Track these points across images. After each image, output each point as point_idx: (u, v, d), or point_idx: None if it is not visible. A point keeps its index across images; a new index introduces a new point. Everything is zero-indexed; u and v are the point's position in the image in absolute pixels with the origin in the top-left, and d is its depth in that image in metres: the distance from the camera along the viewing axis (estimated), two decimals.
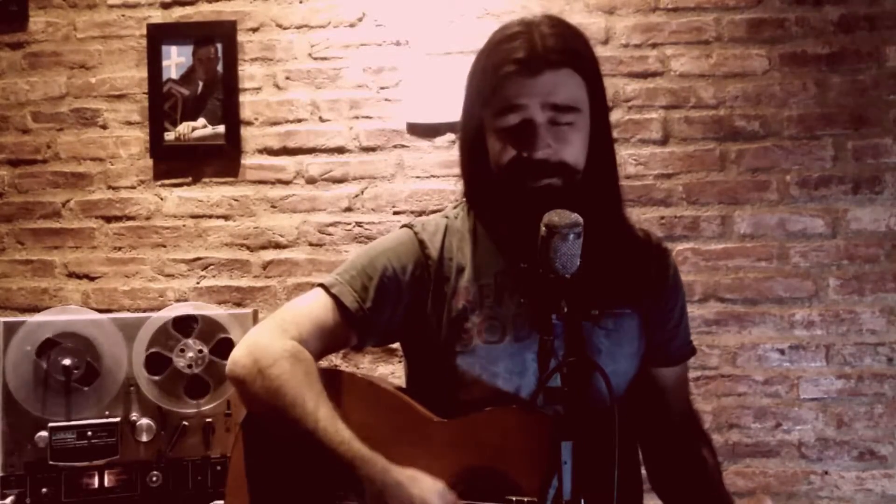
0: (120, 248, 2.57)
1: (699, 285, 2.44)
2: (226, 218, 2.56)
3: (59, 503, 1.71)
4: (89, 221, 2.58)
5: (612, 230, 1.30)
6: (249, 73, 2.55)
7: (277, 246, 2.54)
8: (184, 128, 2.54)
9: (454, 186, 2.37)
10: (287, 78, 2.55)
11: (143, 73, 2.55)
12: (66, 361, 1.74)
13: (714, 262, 2.46)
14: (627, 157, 2.48)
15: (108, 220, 2.57)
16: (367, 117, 2.53)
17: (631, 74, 2.49)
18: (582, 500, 1.00)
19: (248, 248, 2.55)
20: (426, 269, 1.30)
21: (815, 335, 2.42)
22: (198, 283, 2.55)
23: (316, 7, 2.55)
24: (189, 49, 2.54)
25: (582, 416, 1.00)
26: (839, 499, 2.40)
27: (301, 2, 2.55)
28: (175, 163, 2.56)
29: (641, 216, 2.45)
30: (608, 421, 1.02)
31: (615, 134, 2.41)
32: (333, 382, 1.25)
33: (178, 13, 2.57)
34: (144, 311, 2.46)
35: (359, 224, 2.53)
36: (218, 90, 2.54)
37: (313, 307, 1.28)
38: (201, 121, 2.54)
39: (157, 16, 2.57)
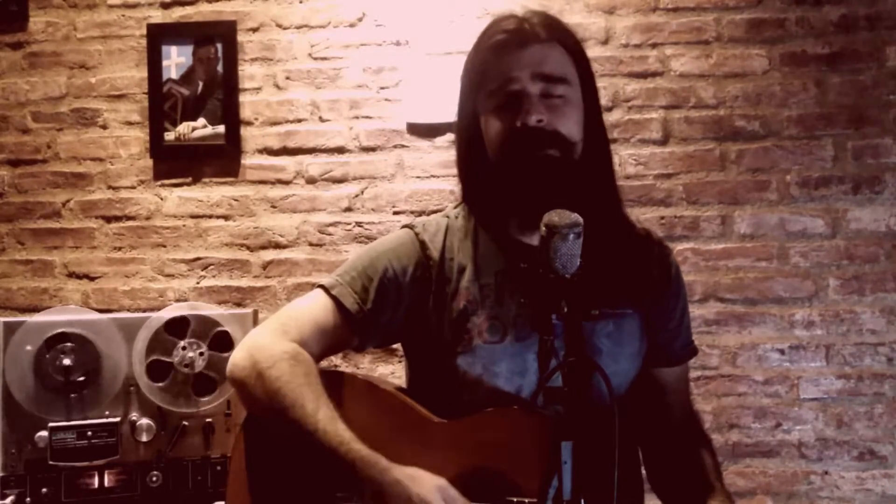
0: (120, 248, 2.57)
1: (699, 285, 2.44)
2: (226, 218, 2.56)
3: (59, 503, 1.71)
4: (89, 221, 2.58)
5: (612, 230, 1.30)
6: (249, 73, 2.55)
7: (277, 246, 2.54)
8: (184, 128, 2.54)
9: (454, 186, 2.37)
10: (287, 78, 2.55)
11: (143, 73, 2.55)
12: (66, 361, 1.74)
13: (714, 262, 2.46)
14: (627, 157, 2.48)
15: (108, 220, 2.57)
16: (367, 117, 2.53)
17: (631, 74, 2.49)
18: (582, 500, 1.00)
19: (248, 248, 2.55)
20: (427, 270, 1.29)
21: (815, 335, 2.42)
22: (198, 283, 2.54)
23: (316, 7, 2.55)
24: (189, 49, 2.54)
25: (582, 417, 1.00)
26: (839, 499, 2.40)
27: (301, 2, 2.55)
28: (175, 163, 2.56)
29: (641, 216, 2.45)
30: (608, 421, 1.02)
31: (615, 134, 2.45)
32: (333, 383, 1.25)
33: (178, 13, 2.57)
34: (144, 311, 2.45)
35: (359, 224, 2.53)
36: (218, 90, 2.54)
37: (314, 308, 1.28)
38: (201, 121, 2.54)
39: (157, 16, 2.57)
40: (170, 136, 2.54)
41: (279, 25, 2.56)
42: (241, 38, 2.55)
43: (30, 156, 2.59)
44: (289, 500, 1.24)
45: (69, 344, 1.76)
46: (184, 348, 1.79)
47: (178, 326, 1.81)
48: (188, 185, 2.56)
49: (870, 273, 2.42)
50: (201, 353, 1.80)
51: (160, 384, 1.77)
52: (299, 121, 2.55)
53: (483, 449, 1.17)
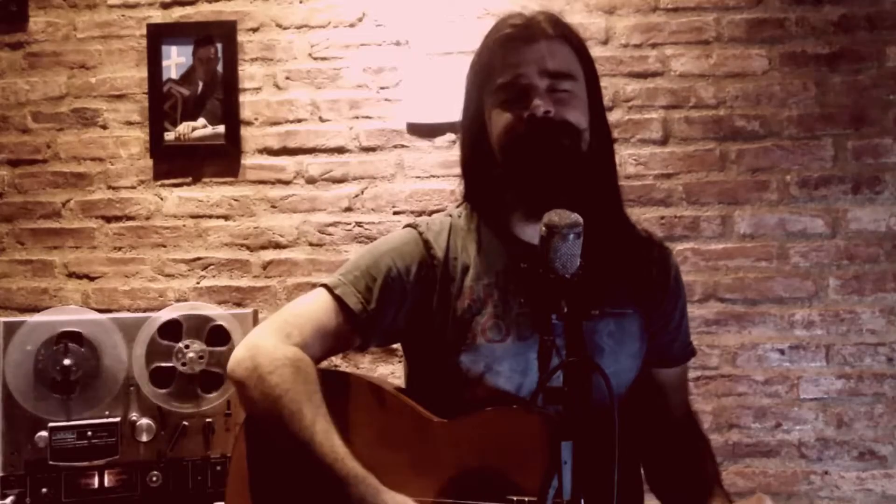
0: (120, 248, 2.57)
1: (699, 285, 2.44)
2: (226, 218, 2.56)
3: (59, 503, 1.71)
4: (89, 221, 2.58)
5: (613, 230, 1.30)
6: (249, 73, 2.55)
7: (277, 246, 2.54)
8: (184, 128, 2.54)
9: (454, 186, 2.37)
10: (287, 78, 2.55)
11: (143, 73, 2.55)
12: (66, 361, 1.74)
13: (714, 262, 2.46)
14: (627, 157, 2.48)
15: (108, 220, 2.57)
16: (367, 117, 2.53)
17: (631, 74, 2.49)
18: (582, 500, 1.00)
19: (248, 248, 2.55)
20: (431, 270, 1.29)
21: (815, 335, 2.42)
22: (198, 283, 2.54)
23: (316, 7, 2.55)
24: (189, 49, 2.54)
25: (582, 416, 1.00)
26: (839, 499, 2.40)
27: (301, 2, 2.55)
28: (175, 163, 2.56)
29: (641, 216, 2.45)
30: (608, 421, 1.02)
31: (615, 134, 2.44)
32: (333, 383, 1.25)
33: (178, 13, 2.57)
34: (144, 311, 2.46)
35: (359, 224, 2.53)
36: (218, 90, 2.54)
37: (316, 308, 1.27)
38: (201, 121, 2.54)
39: (157, 16, 2.57)
40: (170, 136, 2.54)
41: (279, 25, 2.56)
42: (241, 38, 2.55)
43: (30, 156, 2.59)
44: (289, 499, 1.24)
45: (69, 344, 1.76)
46: (184, 348, 1.79)
47: (177, 327, 1.80)
48: (188, 185, 2.56)
49: (870, 273, 2.42)
50: (201, 354, 1.79)
51: (160, 384, 1.77)
52: (299, 121, 2.55)
53: (483, 448, 1.17)
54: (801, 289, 2.43)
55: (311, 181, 2.54)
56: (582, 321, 1.02)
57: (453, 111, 1.35)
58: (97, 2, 2.59)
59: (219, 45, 2.54)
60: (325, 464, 1.13)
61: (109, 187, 2.58)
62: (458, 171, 1.38)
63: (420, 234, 1.32)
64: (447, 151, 2.49)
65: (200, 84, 2.54)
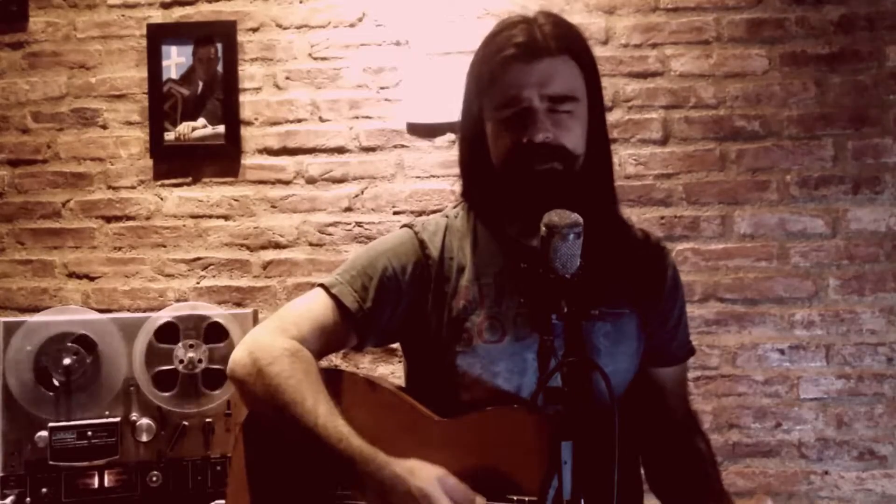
0: (120, 248, 2.57)
1: (699, 285, 2.45)
2: (226, 218, 2.56)
3: (59, 503, 1.71)
4: (89, 221, 2.58)
5: (611, 230, 1.30)
6: (249, 73, 2.55)
7: (277, 246, 2.54)
8: (184, 128, 2.54)
9: (454, 186, 2.37)
10: (287, 78, 2.55)
11: (143, 73, 2.55)
12: (66, 361, 1.74)
13: (714, 262, 2.46)
14: (627, 157, 2.48)
15: (108, 220, 2.57)
16: (367, 117, 2.53)
17: (631, 74, 2.49)
18: (582, 500, 1.00)
19: (248, 248, 2.55)
20: (426, 269, 1.30)
21: (815, 335, 2.42)
22: (198, 283, 2.55)
23: (316, 7, 2.55)
24: (189, 49, 2.54)
25: (582, 416, 1.00)
26: (839, 499, 2.40)
27: (301, 2, 2.55)
28: (175, 163, 2.56)
29: (641, 216, 2.45)
30: (608, 421, 1.02)
31: (615, 134, 2.45)
32: (333, 382, 1.25)
33: (178, 13, 2.57)
34: (144, 311, 2.46)
35: (359, 224, 2.53)
36: (218, 90, 2.54)
37: (313, 307, 1.28)
38: (201, 121, 2.54)
39: (157, 16, 2.57)
40: (170, 136, 2.54)
41: (279, 25, 2.56)
42: (241, 38, 2.55)
43: (30, 156, 2.59)
44: (289, 499, 1.24)
45: (69, 344, 1.76)
46: (184, 349, 1.79)
47: (177, 327, 1.81)
48: (188, 185, 2.56)
49: (870, 273, 2.42)
50: (201, 354, 1.80)
51: (160, 385, 1.77)
52: (299, 121, 2.55)
53: (483, 448, 1.17)
54: (801, 289, 2.43)
55: (311, 181, 2.54)
56: (582, 321, 1.02)
57: (453, 111, 1.34)
58: (97, 2, 2.59)
59: (219, 45, 2.54)
60: (330, 444, 1.13)
61: (109, 187, 2.58)
62: (457, 170, 1.38)
63: (416, 234, 1.33)
64: (447, 151, 2.49)
65: (200, 84, 2.54)
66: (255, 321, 1.86)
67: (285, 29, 2.56)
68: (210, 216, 2.56)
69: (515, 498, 1.12)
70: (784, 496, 2.40)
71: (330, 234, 2.53)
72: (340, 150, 2.54)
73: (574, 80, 1.24)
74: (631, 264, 1.32)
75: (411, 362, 1.41)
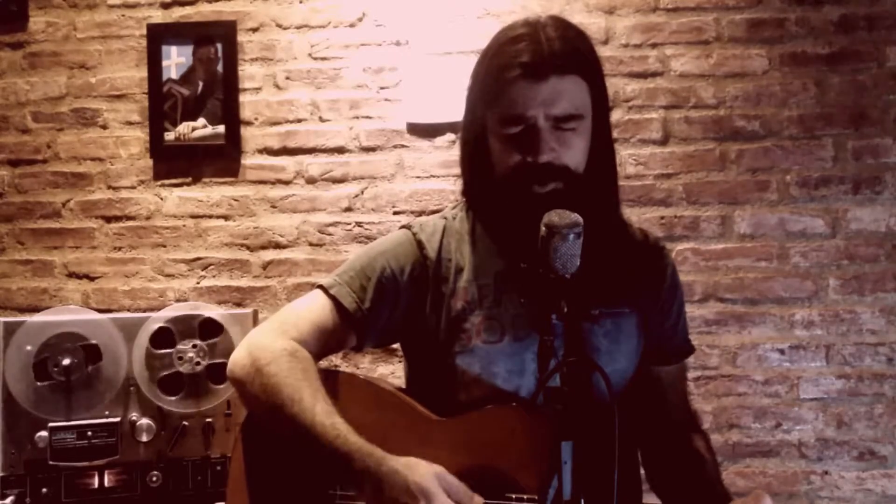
0: (120, 248, 2.57)
1: (699, 285, 2.44)
2: (226, 218, 2.56)
3: (59, 503, 1.71)
4: (89, 221, 2.58)
5: (609, 230, 1.30)
6: (249, 73, 2.55)
7: (277, 246, 2.54)
8: (184, 128, 2.54)
9: (454, 186, 2.37)
10: (287, 78, 2.55)
11: (143, 73, 2.55)
12: (66, 361, 1.74)
13: (714, 262, 2.46)
14: (627, 157, 2.48)
15: (108, 220, 2.57)
16: (367, 117, 2.53)
17: (631, 74, 2.49)
18: (582, 500, 1.00)
19: (248, 248, 2.55)
20: (425, 270, 1.30)
21: (815, 335, 2.42)
22: (198, 283, 2.55)
23: (316, 7, 2.55)
24: (189, 49, 2.54)
25: (582, 416, 1.00)
26: (839, 499, 2.40)
27: (301, 2, 2.55)
28: (175, 163, 2.56)
29: (641, 216, 2.45)
30: (608, 420, 1.02)
31: (615, 134, 2.43)
32: (333, 382, 1.25)
33: (178, 13, 2.57)
34: (144, 311, 2.46)
35: (359, 224, 2.53)
36: (218, 90, 2.54)
37: (312, 308, 1.28)
38: (201, 121, 2.54)
39: (157, 16, 2.57)
40: (170, 136, 2.54)
41: (279, 25, 2.56)
42: (241, 38, 2.55)
43: (30, 156, 2.59)
44: (288, 500, 1.24)
45: (69, 344, 1.76)
46: (184, 349, 1.79)
47: (177, 327, 1.81)
48: (188, 185, 2.56)
49: (870, 273, 2.42)
50: (201, 354, 1.80)
51: (160, 384, 1.77)
52: (299, 121, 2.55)
53: (483, 447, 1.17)
54: (801, 289, 2.43)
55: (311, 181, 2.54)
56: (582, 321, 1.02)
57: (453, 111, 1.34)
58: (97, 2, 2.59)
59: (219, 45, 2.54)
60: (327, 441, 1.13)
61: (109, 187, 2.58)
62: (457, 170, 1.38)
63: (414, 234, 1.33)
64: (447, 151, 2.49)
65: (200, 84, 2.54)
66: (255, 321, 1.86)
67: (285, 29, 2.56)
68: (210, 216, 2.56)
69: (514, 496, 1.12)
70: (784, 496, 2.40)
71: (330, 234, 2.53)
72: (340, 150, 2.54)
73: (580, 98, 1.22)
74: (630, 264, 1.32)
75: (411, 363, 1.41)
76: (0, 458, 1.70)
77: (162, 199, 2.57)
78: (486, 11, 2.50)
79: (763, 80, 2.47)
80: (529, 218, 1.11)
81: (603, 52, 2.43)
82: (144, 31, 2.55)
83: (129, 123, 2.58)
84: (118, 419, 1.75)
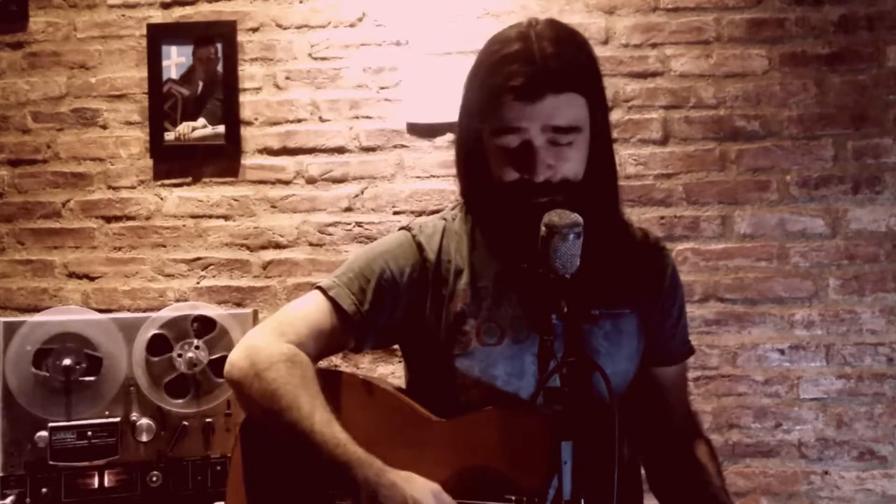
0: (120, 248, 2.57)
1: (699, 285, 2.44)
2: (226, 218, 2.56)
3: (59, 503, 1.71)
4: (89, 221, 2.58)
5: (610, 230, 1.30)
6: (249, 73, 2.55)
7: (277, 246, 2.54)
8: (184, 128, 2.54)
9: (454, 186, 2.37)
10: (287, 78, 2.55)
11: (143, 73, 2.55)
12: (66, 361, 1.74)
13: (714, 262, 2.46)
14: (627, 157, 2.48)
15: (108, 220, 2.57)
16: (367, 117, 2.53)
17: (631, 74, 2.49)
18: (582, 500, 1.00)
19: (248, 248, 2.55)
20: (424, 272, 1.29)
21: (815, 335, 2.42)
22: (198, 283, 2.55)
23: (316, 7, 2.55)
24: (189, 49, 2.54)
25: (582, 416, 1.00)
26: (839, 499, 2.40)
27: (301, 2, 2.55)
28: (175, 163, 2.56)
29: (641, 216, 2.45)
30: (608, 421, 1.02)
31: (615, 134, 2.44)
32: (332, 383, 1.25)
33: (178, 13, 2.57)
34: (144, 311, 2.45)
35: (359, 224, 2.53)
36: (218, 90, 2.54)
37: (311, 310, 1.27)
38: (201, 121, 2.54)
39: (157, 16, 2.57)
40: (170, 136, 2.54)
41: (279, 25, 2.56)
42: (241, 38, 2.55)
43: (30, 156, 2.59)
44: (288, 500, 1.24)
45: (69, 344, 1.76)
46: (184, 349, 1.79)
47: (177, 327, 1.81)
48: (188, 185, 2.56)
49: (870, 273, 2.42)
50: (201, 354, 1.80)
51: (160, 384, 1.77)
52: (299, 121, 2.55)
53: (483, 448, 1.17)
54: (801, 289, 2.43)
55: (311, 181, 2.54)
56: (582, 321, 1.02)
57: (453, 111, 1.32)
58: (97, 2, 2.59)
59: (219, 45, 2.54)
60: (326, 451, 1.13)
61: (109, 187, 2.58)
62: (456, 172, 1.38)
63: (413, 236, 1.32)
64: (447, 151, 2.49)
65: (200, 84, 2.54)
66: (255, 321, 1.86)
67: (285, 29, 2.56)
68: (210, 216, 2.56)
69: (514, 498, 1.12)
70: (784, 496, 2.40)
71: (330, 234, 2.53)
72: (340, 150, 2.54)
73: (577, 113, 1.19)
74: (630, 264, 1.32)
75: (410, 364, 1.41)
76: (0, 458, 1.70)
77: (162, 199, 2.57)
78: (486, 11, 2.50)
79: (763, 80, 2.47)
80: (528, 222, 1.11)
81: (603, 52, 2.45)
82: (144, 31, 2.55)
83: (129, 123, 2.58)
84: (118, 419, 1.75)
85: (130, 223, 2.57)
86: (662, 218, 2.47)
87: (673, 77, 2.49)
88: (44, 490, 1.71)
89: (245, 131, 2.55)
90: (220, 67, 2.54)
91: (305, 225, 2.53)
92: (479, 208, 1.33)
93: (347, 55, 2.54)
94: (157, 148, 2.55)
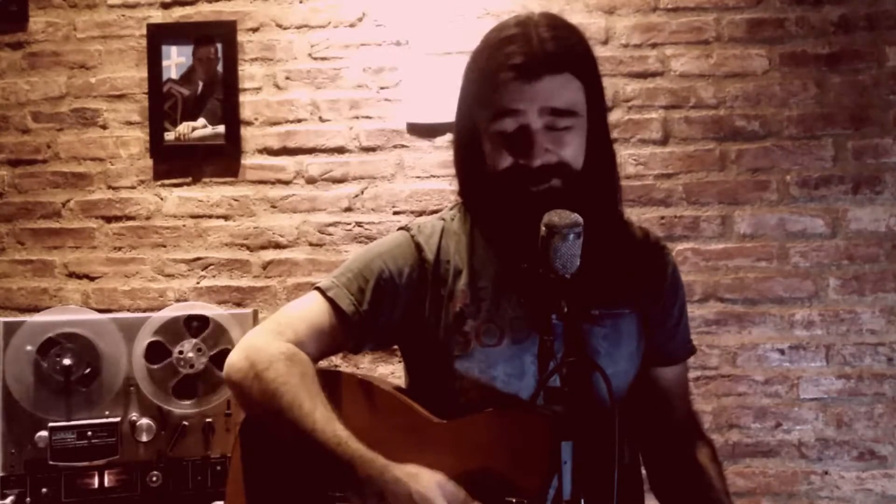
0: (120, 248, 2.57)
1: (699, 285, 2.44)
2: (226, 218, 2.56)
3: (59, 503, 1.71)
4: (89, 221, 2.58)
5: (610, 229, 1.30)
6: (249, 73, 2.55)
7: (277, 246, 2.54)
8: (184, 128, 2.54)
9: (454, 186, 2.37)
10: (287, 78, 2.56)
11: (143, 73, 2.55)
12: (66, 361, 1.74)
13: (714, 262, 2.46)
14: (627, 157, 2.48)
15: (108, 220, 2.57)
16: (367, 117, 2.54)
17: (631, 74, 2.49)
18: (582, 501, 1.00)
19: (248, 248, 2.55)
20: (423, 272, 1.29)
21: (815, 335, 2.42)
22: (198, 283, 2.55)
23: (316, 7, 2.55)
24: (189, 49, 2.54)
25: (582, 416, 1.00)
26: (839, 499, 2.40)
27: (301, 2, 2.55)
28: (175, 163, 2.56)
29: (641, 216, 2.45)
30: (608, 421, 1.02)
31: (615, 134, 2.44)
32: (332, 384, 1.25)
33: (178, 13, 2.57)
34: (144, 311, 2.46)
35: (359, 224, 2.53)
36: (218, 90, 2.54)
37: (310, 310, 1.27)
38: (201, 121, 2.54)
39: (157, 16, 2.57)
40: (170, 136, 2.54)
41: (279, 25, 2.56)
42: (241, 38, 2.55)
43: (30, 156, 2.59)
44: (288, 500, 1.24)
45: (69, 344, 1.76)
46: (184, 349, 1.79)
47: (177, 327, 1.81)
48: (188, 185, 2.56)
49: (870, 273, 2.42)
50: (201, 354, 1.80)
51: (160, 384, 1.77)
52: (299, 121, 2.55)
53: (483, 449, 1.17)
54: (801, 289, 2.43)
55: (311, 181, 2.54)
56: (582, 321, 1.02)
57: (453, 111, 1.32)
58: (97, 2, 2.59)
59: (219, 45, 2.54)
60: (328, 448, 1.13)
61: (109, 187, 2.58)
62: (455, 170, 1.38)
63: (412, 236, 1.32)
64: (447, 151, 2.48)
65: (200, 84, 2.54)
66: (255, 321, 1.86)
67: (285, 29, 2.56)
68: (210, 216, 2.56)
69: (514, 499, 1.12)
70: (784, 496, 2.40)
71: (330, 234, 2.53)
72: (340, 150, 2.54)
73: (574, 97, 1.20)
74: (631, 263, 1.32)
75: (410, 365, 1.41)
76: (0, 458, 1.70)
77: (162, 199, 2.57)
78: (486, 11, 2.50)
79: (763, 80, 2.47)
80: (527, 217, 1.10)
81: (603, 52, 2.45)
82: (144, 31, 2.55)
83: (129, 123, 2.58)
84: (118, 419, 1.75)
85: (130, 223, 2.57)
86: (662, 218, 2.47)
87: (673, 77, 2.49)
88: (44, 490, 1.71)
89: (245, 131, 2.55)
90: (220, 67, 2.54)
91: (305, 225, 2.53)
92: (478, 207, 1.33)
93: (347, 55, 2.54)
94: (157, 148, 2.55)
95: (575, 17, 2.40)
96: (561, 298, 1.03)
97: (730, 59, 2.47)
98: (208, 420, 1.79)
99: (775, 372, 2.43)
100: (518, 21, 1.23)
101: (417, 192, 2.52)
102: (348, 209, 2.53)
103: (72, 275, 2.57)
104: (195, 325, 1.81)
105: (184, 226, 2.56)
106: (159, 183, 2.57)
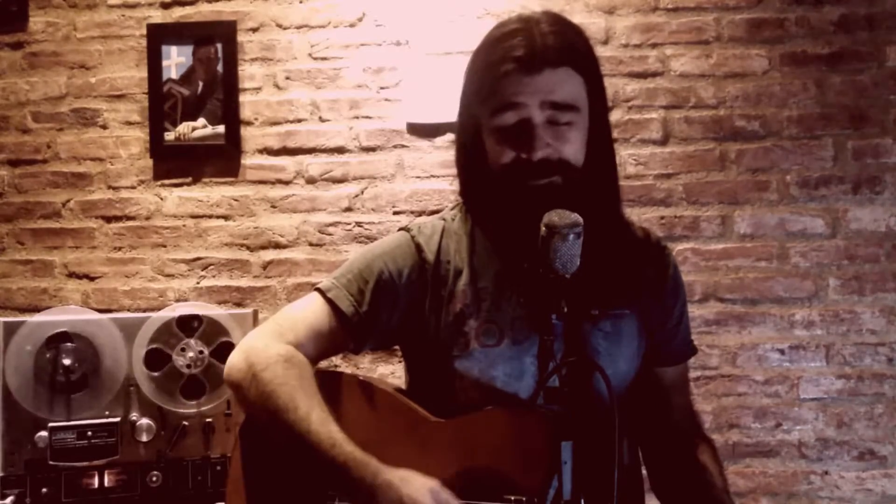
0: (120, 248, 2.57)
1: (699, 285, 2.44)
2: (226, 218, 2.56)
3: (59, 503, 1.71)
4: (89, 221, 2.58)
5: (610, 229, 1.30)
6: (249, 73, 2.55)
7: (277, 246, 2.54)
8: (184, 128, 2.54)
9: (454, 186, 2.37)
10: (287, 78, 2.56)
11: (143, 73, 2.55)
12: (66, 361, 1.74)
13: (714, 262, 2.46)
14: (627, 157, 2.48)
15: (108, 220, 2.57)
16: (367, 117, 2.54)
17: (631, 74, 2.49)
18: (582, 500, 1.00)
19: (248, 248, 2.55)
20: (423, 273, 1.29)
21: (815, 335, 2.42)
22: (198, 283, 2.55)
23: (316, 7, 2.55)
24: (189, 49, 2.54)
25: (582, 416, 1.00)
26: (839, 499, 2.40)
27: (301, 2, 2.55)
28: (175, 163, 2.56)
29: (641, 216, 2.45)
30: (608, 421, 1.02)
31: (615, 134, 2.43)
32: (331, 384, 1.25)
33: (178, 13, 2.57)
34: (144, 311, 2.46)
35: (359, 224, 2.53)
36: (218, 90, 2.54)
37: (309, 311, 1.27)
38: (201, 121, 2.54)
39: (157, 16, 2.57)
40: (170, 136, 2.55)
41: (279, 25, 2.56)
42: (241, 38, 2.55)
43: (30, 156, 2.59)
44: (288, 500, 1.24)
45: (69, 344, 1.76)
46: (184, 349, 1.79)
47: (177, 326, 1.81)
48: (188, 185, 2.57)
49: (870, 273, 2.42)
50: (201, 353, 1.80)
51: (160, 384, 1.77)
52: (299, 121, 2.55)
53: (482, 448, 1.17)
54: (801, 289, 2.43)
55: (311, 181, 2.54)
56: (582, 321, 1.02)
57: (453, 111, 1.32)
58: (97, 2, 2.59)
59: (219, 45, 2.54)
60: (322, 450, 1.13)
61: (109, 187, 2.58)
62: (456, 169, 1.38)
63: (412, 237, 1.32)
64: (447, 151, 2.49)
65: (200, 84, 2.54)
66: (255, 321, 1.86)
67: (285, 29, 2.56)
68: (210, 216, 2.56)
69: (514, 498, 1.12)
70: (784, 496, 2.40)
71: (330, 234, 2.53)
72: (340, 150, 2.54)
73: (575, 91, 1.20)
74: (631, 264, 1.32)
75: (410, 365, 1.41)
76: (0, 458, 1.70)
77: (162, 199, 2.57)
78: (486, 11, 2.50)
79: (763, 80, 2.47)
80: (527, 215, 1.10)
81: (603, 52, 2.45)
82: (144, 31, 2.56)
83: (129, 123, 2.58)
84: (118, 419, 1.75)
85: (130, 223, 2.57)
86: (662, 218, 2.47)
87: (673, 77, 2.49)
88: (44, 490, 1.70)
89: (245, 131, 2.55)
90: (220, 67, 2.54)
91: (305, 225, 2.53)
92: (479, 206, 1.33)
93: (347, 55, 2.54)
94: (157, 148, 2.55)
95: (575, 17, 2.40)
96: (561, 298, 1.03)
97: (730, 59, 2.47)
98: (208, 420, 1.79)
99: (775, 372, 2.43)
100: (520, 18, 1.24)
101: (417, 192, 2.52)
102: (348, 209, 2.53)
103: (72, 275, 2.57)
104: (195, 325, 1.81)
105: (184, 226, 2.56)
106: (159, 183, 2.57)
